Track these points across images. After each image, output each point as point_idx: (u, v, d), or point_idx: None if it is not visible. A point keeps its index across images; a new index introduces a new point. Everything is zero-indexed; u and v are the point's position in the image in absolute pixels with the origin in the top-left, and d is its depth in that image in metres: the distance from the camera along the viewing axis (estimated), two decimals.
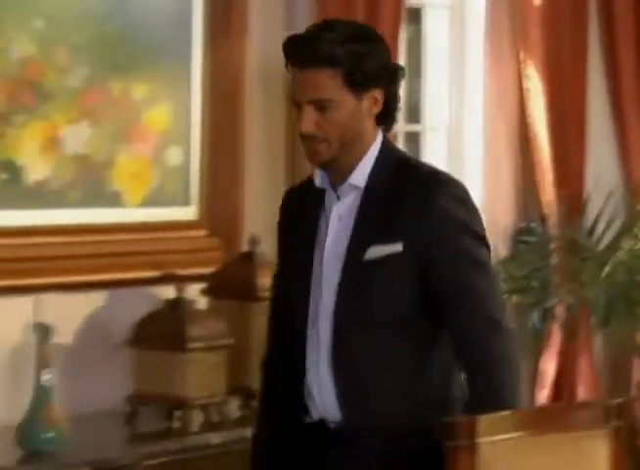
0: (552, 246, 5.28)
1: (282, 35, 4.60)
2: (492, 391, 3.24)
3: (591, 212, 5.31)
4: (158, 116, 4.32)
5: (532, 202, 5.48)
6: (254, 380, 3.96)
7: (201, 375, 3.91)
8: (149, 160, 4.31)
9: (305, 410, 3.27)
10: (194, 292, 4.16)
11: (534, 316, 5.16)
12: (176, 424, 3.96)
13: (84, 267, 4.07)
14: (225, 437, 3.99)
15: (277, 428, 3.36)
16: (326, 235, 3.24)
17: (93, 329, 4.14)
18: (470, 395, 3.28)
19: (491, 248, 3.28)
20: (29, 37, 3.98)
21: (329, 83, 3.08)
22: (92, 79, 4.13)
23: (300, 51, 3.10)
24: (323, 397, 3.22)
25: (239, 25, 4.48)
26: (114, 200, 4.25)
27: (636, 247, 5.09)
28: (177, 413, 3.96)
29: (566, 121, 5.43)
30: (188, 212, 4.48)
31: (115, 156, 4.22)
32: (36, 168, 4.03)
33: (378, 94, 3.12)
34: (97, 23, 4.08)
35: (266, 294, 4.10)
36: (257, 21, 4.57)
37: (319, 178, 3.25)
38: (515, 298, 5.14)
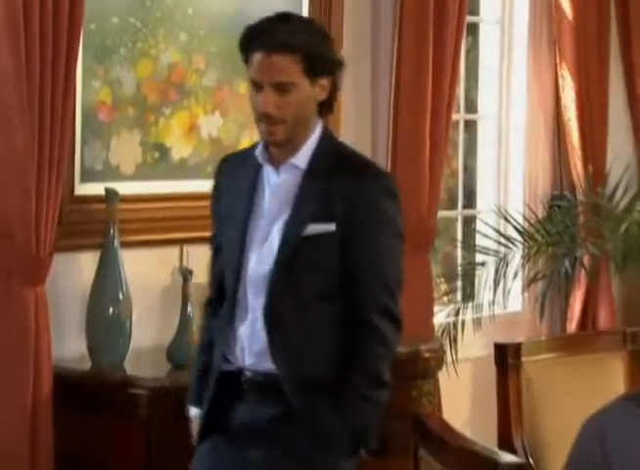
0: (580, 209, 5.23)
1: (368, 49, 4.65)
2: (371, 368, 2.94)
3: (611, 182, 5.24)
4: None
5: (564, 174, 5.43)
6: None
7: None
8: None
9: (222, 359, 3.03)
10: None
11: (566, 264, 5.09)
12: None
13: None
14: None
15: (207, 366, 3.09)
16: (263, 209, 2.99)
17: None
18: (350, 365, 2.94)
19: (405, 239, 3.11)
20: (175, 48, 4.01)
21: (291, 68, 2.87)
22: (222, 80, 4.16)
23: (266, 37, 2.87)
24: (254, 351, 2.97)
25: (336, 36, 4.46)
26: None
27: None
28: None
29: (591, 111, 5.36)
30: None
31: (240, 138, 4.23)
32: (180, 149, 4.07)
33: (326, 82, 2.93)
34: (225, 37, 4.07)
35: None
36: (347, 38, 4.55)
37: (260, 155, 2.99)
38: (550, 249, 5.08)
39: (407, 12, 4.55)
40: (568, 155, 5.39)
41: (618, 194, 5.15)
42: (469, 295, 5.03)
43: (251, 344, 2.97)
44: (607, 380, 3.74)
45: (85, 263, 3.78)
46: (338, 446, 2.92)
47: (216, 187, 3.17)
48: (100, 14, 3.77)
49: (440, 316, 4.92)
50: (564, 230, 5.11)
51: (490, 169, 5.51)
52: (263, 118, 2.92)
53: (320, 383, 2.93)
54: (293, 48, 2.86)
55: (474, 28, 5.42)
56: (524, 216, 5.21)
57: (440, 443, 2.66)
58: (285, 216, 2.95)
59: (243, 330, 2.99)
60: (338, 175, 2.95)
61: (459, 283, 5.08)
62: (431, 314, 4.78)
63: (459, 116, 5.23)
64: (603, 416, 2.59)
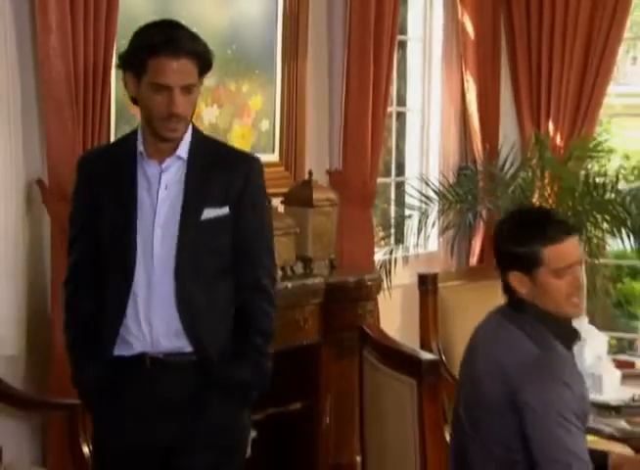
0: (479, 176, 5.21)
1: (326, 58, 4.64)
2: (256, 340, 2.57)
3: (502, 157, 5.21)
4: (256, 102, 4.29)
5: (468, 150, 5.45)
6: (310, 251, 3.96)
7: (282, 248, 3.75)
8: (250, 127, 4.28)
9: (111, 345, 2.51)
10: (277, 202, 4.12)
11: (469, 216, 5.09)
12: None
13: None
14: (295, 282, 3.93)
15: (97, 365, 2.55)
16: (155, 200, 2.50)
17: None
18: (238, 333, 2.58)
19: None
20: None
21: (193, 71, 2.47)
22: (219, 81, 4.10)
23: (173, 44, 2.43)
24: (164, 332, 2.49)
25: (302, 50, 4.44)
26: None
27: (528, 176, 5.02)
28: None
29: (487, 105, 5.37)
30: (273, 157, 4.39)
31: (232, 125, 4.20)
32: None
33: (201, 81, 2.53)
34: (222, 48, 4.05)
35: (319, 203, 4.13)
36: (310, 51, 4.52)
37: (143, 148, 2.53)
38: (458, 206, 5.04)
39: (354, 31, 4.53)
40: (471, 137, 5.40)
41: (507, 165, 5.13)
42: (399, 239, 5.04)
43: (162, 326, 2.49)
44: (496, 299, 3.77)
45: None
46: (248, 399, 2.58)
47: (85, 178, 2.60)
48: (129, 32, 3.68)
49: (379, 255, 4.93)
50: (468, 192, 5.09)
51: (415, 148, 5.50)
52: (170, 118, 2.46)
53: (226, 348, 2.54)
54: (195, 54, 2.48)
55: (403, 44, 5.38)
56: (439, 182, 5.20)
57: (379, 346, 2.67)
58: (179, 203, 2.51)
59: (149, 312, 2.49)
60: (219, 163, 2.57)
61: (392, 231, 5.08)
62: (372, 253, 4.80)
63: (392, 108, 5.21)
64: (482, 322, 2.64)
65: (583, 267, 2.53)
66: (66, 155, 3.39)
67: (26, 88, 3.44)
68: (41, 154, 3.47)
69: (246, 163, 2.63)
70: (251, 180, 2.58)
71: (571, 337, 2.53)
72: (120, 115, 3.75)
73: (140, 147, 2.54)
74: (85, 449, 3.10)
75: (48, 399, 3.36)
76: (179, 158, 2.54)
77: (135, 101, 2.55)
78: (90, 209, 2.57)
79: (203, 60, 2.50)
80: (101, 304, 2.56)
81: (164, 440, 2.51)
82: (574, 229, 2.53)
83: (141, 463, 2.54)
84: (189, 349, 2.50)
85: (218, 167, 2.56)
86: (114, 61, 3.56)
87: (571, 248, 2.47)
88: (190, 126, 2.56)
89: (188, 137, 2.56)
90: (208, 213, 2.51)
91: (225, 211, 2.53)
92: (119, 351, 2.52)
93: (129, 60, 2.50)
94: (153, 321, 2.49)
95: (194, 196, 2.51)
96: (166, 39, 2.44)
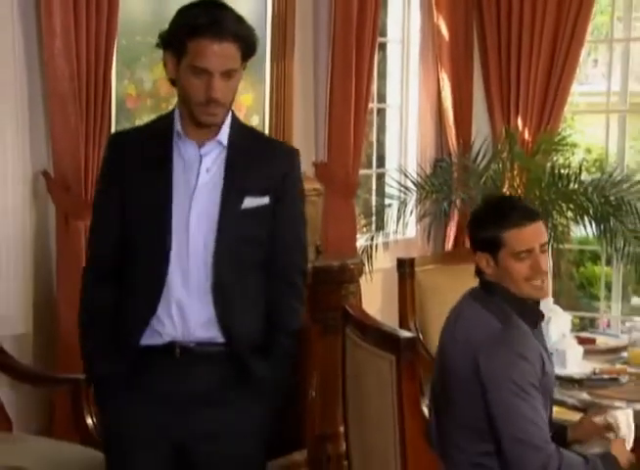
0: (454, 168, 5.22)
1: (311, 58, 4.62)
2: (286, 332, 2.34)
3: (475, 150, 5.21)
4: (246, 99, 4.27)
5: (444, 144, 5.44)
6: None
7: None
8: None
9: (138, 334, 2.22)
10: None
11: (444, 205, 5.09)
12: None
13: None
14: None
15: (113, 361, 2.26)
16: (194, 184, 2.21)
17: None
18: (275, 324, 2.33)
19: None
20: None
21: (236, 56, 2.16)
22: None
23: (216, 26, 2.12)
24: (199, 322, 2.22)
25: (289, 50, 4.41)
26: None
27: (498, 168, 5.02)
28: None
29: (461, 101, 5.37)
30: None
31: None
32: None
33: (244, 66, 2.23)
34: None
35: (306, 193, 4.10)
36: (299, 46, 4.50)
37: (182, 131, 2.23)
38: (434, 195, 5.04)
39: (337, 33, 4.52)
40: (446, 131, 5.39)
41: (479, 158, 5.14)
42: (380, 226, 5.03)
43: (195, 315, 2.22)
44: (470, 281, 3.77)
45: None
46: (271, 399, 2.35)
47: (115, 159, 2.30)
48: (128, 33, 3.70)
49: (361, 241, 4.93)
50: (443, 183, 5.09)
51: (394, 141, 5.49)
52: (209, 103, 2.17)
53: (259, 343, 2.29)
54: (239, 37, 2.17)
55: (383, 46, 5.37)
56: (417, 173, 5.20)
57: (360, 325, 2.66)
58: (219, 189, 2.22)
59: (183, 301, 2.21)
60: (260, 152, 2.30)
61: (373, 218, 5.08)
62: (355, 239, 4.80)
63: (373, 105, 5.20)
64: (456, 303, 2.64)
65: (550, 253, 2.51)
66: (69, 148, 3.39)
67: (33, 86, 3.43)
68: (46, 147, 3.46)
69: (287, 154, 2.36)
70: (291, 172, 2.32)
71: (535, 317, 2.53)
72: (120, 109, 3.73)
73: (177, 126, 2.24)
74: (89, 421, 3.08)
75: (54, 374, 3.35)
76: (219, 143, 2.25)
77: (173, 82, 2.25)
78: (118, 192, 2.26)
79: (247, 44, 2.18)
80: (127, 292, 2.26)
81: (185, 429, 2.24)
82: (538, 216, 2.51)
83: (158, 452, 2.27)
84: (220, 339, 2.24)
85: (259, 157, 2.28)
86: (115, 60, 3.56)
87: (531, 233, 2.45)
88: (230, 113, 2.27)
89: (227, 123, 2.26)
90: (249, 203, 2.24)
91: (265, 200, 2.26)
92: (146, 340, 2.23)
93: (169, 39, 2.20)
94: (186, 309, 2.21)
95: (235, 183, 2.23)
96: (210, 20, 2.13)
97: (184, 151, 2.24)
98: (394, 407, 2.38)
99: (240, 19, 2.18)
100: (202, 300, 2.22)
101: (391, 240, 5.10)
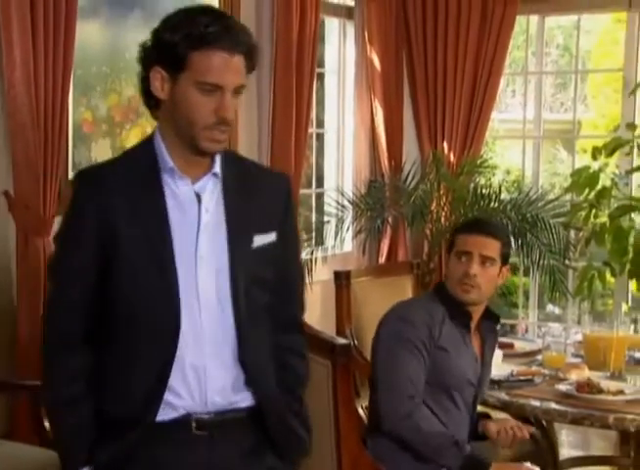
0: (386, 188, 5.26)
1: (254, 87, 4.62)
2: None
3: (405, 172, 5.27)
4: None
5: (377, 166, 5.47)
6: None
7: None
8: None
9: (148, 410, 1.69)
10: None
11: (378, 222, 5.12)
12: None
13: None
14: None
15: (102, 451, 1.71)
16: (195, 229, 1.72)
17: None
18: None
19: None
20: (132, 86, 3.89)
21: (244, 70, 1.72)
22: None
23: (234, 36, 1.67)
24: (218, 387, 1.72)
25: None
26: None
27: (427, 188, 5.08)
28: None
29: (392, 127, 5.39)
30: None
31: None
32: None
33: None
34: None
35: None
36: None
37: (171, 166, 1.72)
38: (369, 213, 5.07)
39: (279, 64, 4.54)
40: (379, 154, 5.42)
41: (409, 179, 5.19)
42: (319, 242, 5.05)
43: (215, 381, 1.72)
44: (401, 292, 3.81)
45: None
46: (301, 455, 1.94)
47: (91, 207, 1.70)
48: (84, 64, 3.68)
49: (302, 255, 4.93)
50: (377, 201, 5.12)
51: (332, 163, 5.52)
52: (217, 126, 1.69)
53: (277, 398, 1.83)
54: (250, 50, 1.72)
55: (321, 76, 5.40)
56: (353, 193, 5.24)
57: None
58: (223, 229, 1.74)
59: (198, 365, 1.71)
60: (254, 181, 1.82)
61: (313, 234, 5.09)
62: None
63: (313, 129, 5.23)
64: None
65: (487, 267, 2.63)
66: (29, 170, 3.37)
67: None
68: (7, 169, 3.42)
69: (282, 182, 1.89)
70: (289, 203, 1.87)
71: (463, 317, 2.61)
72: (77, 134, 3.71)
73: (167, 160, 1.73)
74: (47, 424, 3.04)
75: (14, 380, 3.30)
76: (215, 175, 1.76)
77: (156, 104, 1.75)
78: (97, 252, 1.70)
79: (253, 58, 1.74)
80: (120, 365, 1.72)
81: None
82: (491, 234, 2.66)
83: None
84: (245, 403, 1.77)
85: (255, 187, 1.81)
86: (72, 88, 3.54)
87: (474, 241, 2.62)
88: None
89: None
90: (259, 240, 1.78)
91: (272, 237, 1.80)
92: (161, 414, 1.72)
93: (163, 52, 1.67)
94: (207, 376, 1.71)
95: (239, 220, 1.76)
96: (222, 29, 1.66)
97: (176, 190, 1.73)
98: (330, 408, 2.40)
99: (247, 29, 1.74)
100: (226, 363, 1.74)
101: (330, 254, 5.12)
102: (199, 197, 1.75)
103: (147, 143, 1.79)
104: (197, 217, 1.73)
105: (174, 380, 1.71)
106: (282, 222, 1.84)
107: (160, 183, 1.73)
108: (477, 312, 2.66)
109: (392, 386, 2.48)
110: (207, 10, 1.72)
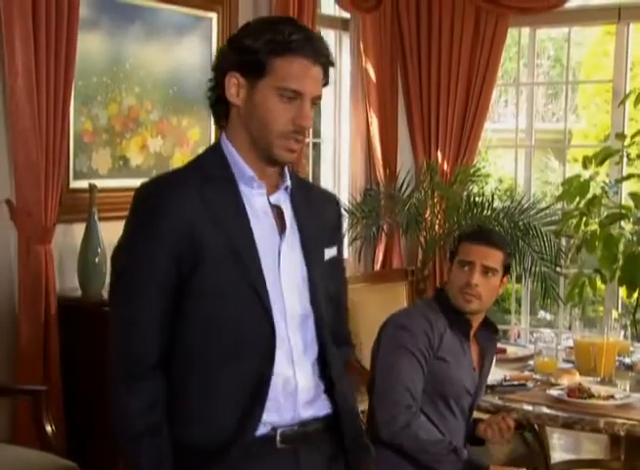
0: (381, 196, 5.27)
1: None
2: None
3: (400, 180, 5.28)
4: (194, 133, 4.28)
5: (372, 175, 5.48)
6: None
7: None
8: (189, 155, 4.20)
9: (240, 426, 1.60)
10: None
11: (373, 230, 5.14)
12: None
13: None
14: None
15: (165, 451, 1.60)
16: (277, 244, 1.66)
17: None
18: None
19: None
20: (132, 96, 3.93)
21: (321, 82, 1.68)
22: (162, 117, 4.08)
23: (312, 46, 1.62)
24: (307, 399, 1.68)
25: None
26: None
27: (421, 196, 5.09)
28: None
29: (387, 137, 5.42)
30: None
31: (174, 153, 4.18)
32: (136, 159, 3.99)
33: None
34: (165, 89, 4.03)
35: None
36: None
37: (252, 179, 1.65)
38: (364, 221, 5.08)
39: None
40: (374, 163, 5.43)
41: (404, 187, 5.20)
42: None
43: (303, 393, 1.67)
44: (395, 299, 3.82)
45: (76, 230, 3.70)
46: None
47: (167, 227, 1.58)
48: (85, 74, 3.70)
49: None
50: (372, 209, 5.13)
51: (329, 172, 5.54)
52: (295, 134, 1.63)
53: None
54: (328, 62, 1.68)
55: None
56: (349, 201, 5.25)
57: None
58: (297, 244, 1.68)
59: (288, 379, 1.65)
60: (313, 196, 1.78)
61: None
62: None
63: (309, 139, 5.25)
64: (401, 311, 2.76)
65: (489, 277, 2.62)
66: (31, 178, 3.37)
67: None
68: (10, 177, 3.42)
69: (334, 202, 1.85)
70: (341, 220, 1.86)
71: (463, 325, 2.61)
72: (78, 143, 3.72)
73: (246, 169, 1.64)
74: (48, 428, 3.04)
75: (15, 385, 3.30)
76: (286, 188, 1.70)
77: (225, 112, 1.68)
78: (173, 264, 1.58)
79: (327, 72, 1.68)
80: (207, 396, 1.61)
81: None
82: (496, 245, 2.64)
83: None
84: (323, 411, 1.71)
85: (315, 202, 1.76)
86: (73, 98, 3.55)
87: (478, 251, 2.61)
88: None
89: None
90: (328, 254, 1.74)
91: (334, 251, 1.76)
92: (250, 432, 1.63)
93: (243, 57, 1.62)
94: (297, 390, 1.66)
95: (311, 234, 1.70)
96: (305, 38, 1.62)
97: (252, 201, 1.64)
98: None
99: (327, 42, 1.69)
100: (308, 374, 1.68)
101: None
102: (275, 209, 1.67)
103: (213, 153, 1.69)
104: (273, 230, 1.66)
105: (260, 396, 1.62)
106: (338, 238, 1.81)
107: (239, 193, 1.63)
108: (476, 321, 2.66)
109: (391, 395, 2.47)
110: (289, 19, 1.68)
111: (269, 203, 1.67)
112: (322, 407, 1.71)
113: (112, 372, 1.63)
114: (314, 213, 1.73)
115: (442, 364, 2.54)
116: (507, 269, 2.66)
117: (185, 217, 1.57)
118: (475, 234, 2.73)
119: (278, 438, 1.64)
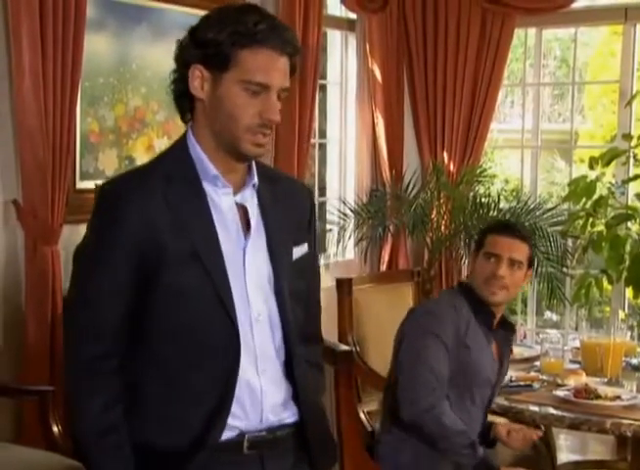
0: (387, 197, 5.26)
1: None
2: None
3: (406, 181, 5.27)
4: None
5: (378, 176, 5.47)
6: None
7: None
8: None
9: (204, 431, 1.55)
10: None
11: (379, 230, 5.13)
12: None
13: None
14: None
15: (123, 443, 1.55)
16: (242, 243, 1.59)
17: None
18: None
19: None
20: (139, 96, 3.93)
21: (288, 73, 1.59)
22: (168, 117, 4.06)
23: (283, 35, 1.54)
24: (272, 404, 1.62)
25: None
26: None
27: (427, 197, 5.08)
28: None
29: (393, 137, 5.40)
30: None
31: None
32: (142, 160, 3.96)
33: None
34: (171, 91, 4.02)
35: None
36: None
37: (214, 176, 1.58)
38: (370, 221, 5.08)
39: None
40: (380, 164, 5.42)
41: (410, 188, 5.19)
42: (322, 249, 5.06)
43: (268, 398, 1.61)
44: (402, 299, 3.81)
45: (83, 231, 3.65)
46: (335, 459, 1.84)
47: (130, 226, 1.53)
48: (91, 75, 3.70)
49: None
50: (378, 210, 5.13)
51: (334, 173, 5.53)
52: (261, 128, 1.56)
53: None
54: (296, 52, 1.59)
55: (323, 87, 5.41)
56: (354, 201, 5.25)
57: None
58: (263, 242, 1.62)
59: (254, 383, 1.59)
60: (281, 190, 1.68)
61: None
62: None
63: (315, 140, 5.24)
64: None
65: (515, 269, 2.63)
66: (37, 179, 3.37)
67: (3, 122, 3.40)
68: (16, 178, 3.42)
69: (306, 194, 1.77)
70: (313, 213, 1.75)
71: (486, 316, 2.62)
72: (84, 144, 3.71)
73: (210, 168, 1.57)
74: (54, 428, 3.04)
75: (22, 386, 3.30)
76: (253, 186, 1.63)
77: (189, 106, 1.64)
78: (133, 266, 1.53)
79: (294, 62, 1.60)
80: (164, 394, 1.57)
81: None
82: (521, 236, 2.67)
83: None
84: (292, 418, 1.66)
85: (284, 197, 1.68)
86: (79, 99, 3.55)
87: (505, 244, 2.63)
88: None
89: None
90: (297, 252, 1.66)
91: (305, 248, 1.68)
92: (214, 436, 1.58)
93: (206, 48, 1.55)
94: (262, 394, 1.60)
95: (278, 234, 1.63)
96: (271, 27, 1.53)
97: (219, 201, 1.58)
98: (333, 412, 2.40)
99: (293, 30, 1.61)
100: (274, 378, 1.63)
101: (332, 261, 5.12)
102: (241, 209, 1.60)
103: (178, 150, 1.62)
104: (239, 231, 1.59)
105: (223, 397, 1.57)
106: (309, 234, 1.72)
107: (204, 193, 1.56)
108: (499, 312, 2.69)
109: (416, 377, 2.47)
110: (253, 8, 1.58)
111: (235, 202, 1.60)
112: (290, 413, 1.65)
113: (70, 369, 1.59)
114: (282, 210, 1.65)
115: (467, 352, 2.58)
116: (531, 263, 2.70)
117: (146, 219, 1.52)
118: (502, 226, 2.75)
119: (245, 443, 1.59)
